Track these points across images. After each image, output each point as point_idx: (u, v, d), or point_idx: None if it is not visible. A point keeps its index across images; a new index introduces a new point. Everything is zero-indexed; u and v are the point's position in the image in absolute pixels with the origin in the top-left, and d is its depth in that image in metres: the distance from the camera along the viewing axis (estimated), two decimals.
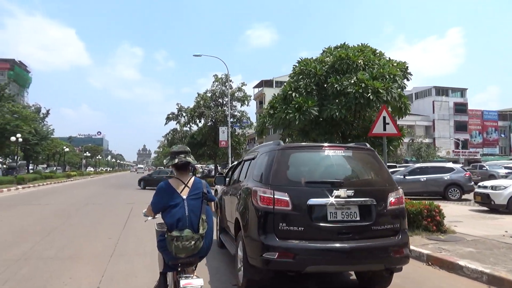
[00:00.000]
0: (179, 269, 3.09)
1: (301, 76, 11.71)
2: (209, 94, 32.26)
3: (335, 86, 10.58)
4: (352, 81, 10.34)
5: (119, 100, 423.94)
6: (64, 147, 47.11)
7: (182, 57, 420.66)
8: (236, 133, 32.80)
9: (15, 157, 60.52)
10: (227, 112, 31.08)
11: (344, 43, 12.83)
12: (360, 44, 12.54)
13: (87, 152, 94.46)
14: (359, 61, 11.03)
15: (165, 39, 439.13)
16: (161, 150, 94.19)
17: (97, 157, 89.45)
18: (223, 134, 28.90)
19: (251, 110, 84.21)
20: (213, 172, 37.32)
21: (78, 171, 55.72)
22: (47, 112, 58.04)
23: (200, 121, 32.11)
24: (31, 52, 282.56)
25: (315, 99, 11.09)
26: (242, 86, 31.46)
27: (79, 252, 6.78)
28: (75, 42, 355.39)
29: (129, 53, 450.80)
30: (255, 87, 78.70)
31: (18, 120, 36.78)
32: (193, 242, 2.90)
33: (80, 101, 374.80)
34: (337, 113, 10.35)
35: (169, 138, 65.03)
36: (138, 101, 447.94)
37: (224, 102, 32.18)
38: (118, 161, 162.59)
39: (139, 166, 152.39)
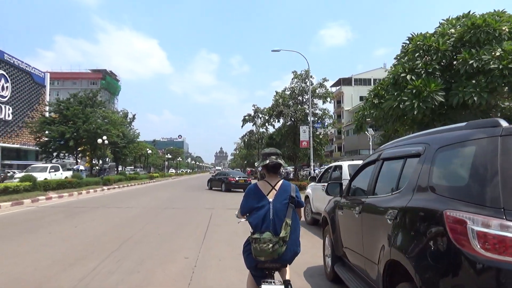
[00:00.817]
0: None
1: (417, 54, 9.12)
2: (288, 92, 30.37)
3: (470, 62, 7.88)
4: (497, 54, 7.54)
5: (198, 104, 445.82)
6: (148, 150, 48.55)
7: (256, 61, 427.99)
8: (317, 133, 30.46)
9: (106, 159, 65.08)
10: (308, 110, 28.93)
11: (469, 12, 9.91)
12: (493, 11, 9.53)
13: (169, 154, 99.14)
14: (504, 28, 8.14)
15: (239, 44, 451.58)
16: (237, 152, 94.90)
17: (178, 159, 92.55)
18: (304, 133, 26.76)
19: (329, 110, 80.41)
20: (291, 175, 35.34)
21: (160, 172, 57.54)
22: (133, 117, 61.06)
23: (278, 121, 30.38)
24: (121, 63, 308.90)
25: (439, 81, 8.45)
26: (323, 82, 29.05)
27: (148, 279, 5.15)
28: (158, 52, 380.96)
29: (206, 60, 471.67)
30: (332, 86, 75.14)
31: (108, 125, 38.42)
32: (271, 245, 2.74)
33: (162, 107, 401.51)
34: (474, 98, 7.62)
35: (246, 140, 64.75)
36: (215, 105, 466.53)
37: (304, 100, 30.09)
38: (197, 163, 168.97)
39: (217, 168, 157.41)
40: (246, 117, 58.71)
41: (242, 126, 59.37)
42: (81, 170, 37.76)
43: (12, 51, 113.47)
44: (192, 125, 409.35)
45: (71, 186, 20.18)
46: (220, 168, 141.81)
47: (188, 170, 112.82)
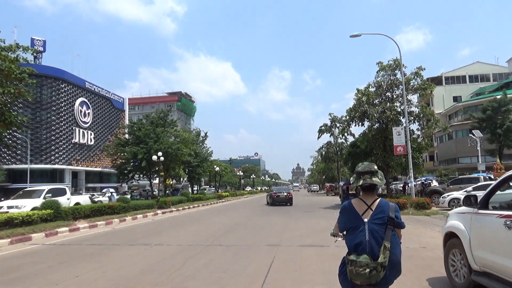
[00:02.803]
0: None
1: None
2: (372, 89, 24.39)
3: None
4: None
5: (272, 122, 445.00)
6: (216, 167, 45.31)
7: (329, 74, 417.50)
8: (414, 136, 23.86)
9: (180, 179, 63.74)
10: (401, 108, 22.72)
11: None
12: None
13: (243, 172, 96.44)
14: None
15: (311, 59, 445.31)
16: (314, 167, 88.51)
17: (251, 176, 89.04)
18: (399, 136, 20.58)
19: None
20: (380, 190, 28.81)
21: (231, 191, 53.98)
22: (206, 135, 59.14)
23: (362, 124, 24.37)
24: (198, 87, 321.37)
25: None
26: (418, 71, 22.56)
27: None
28: (232, 74, 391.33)
29: (278, 77, 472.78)
30: None
31: (179, 144, 36.34)
32: (367, 270, 2.51)
33: (239, 126, 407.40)
34: None
35: (323, 153, 58.69)
36: (289, 121, 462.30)
37: (395, 96, 23.81)
38: (274, 180, 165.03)
39: (294, 184, 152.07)
40: (322, 128, 52.89)
41: (318, 138, 53.71)
42: (112, 193, 35.53)
43: (103, 84, 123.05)
44: (268, 143, 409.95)
45: (113, 212, 16.69)
46: (297, 184, 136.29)
47: (264, 188, 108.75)
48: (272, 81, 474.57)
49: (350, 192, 27.60)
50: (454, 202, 18.98)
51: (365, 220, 2.70)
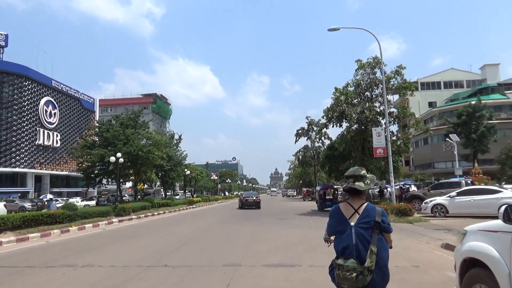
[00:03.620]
0: None
1: None
2: (351, 88, 22.88)
3: None
4: None
5: (251, 127, 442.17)
6: (186, 171, 43.00)
7: (307, 79, 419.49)
8: (394, 138, 22.40)
9: (152, 183, 60.78)
10: (380, 108, 21.30)
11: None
12: None
13: (220, 177, 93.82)
14: None
15: (289, 64, 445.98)
16: (291, 171, 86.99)
17: (227, 181, 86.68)
18: (379, 137, 19.04)
19: None
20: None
21: (204, 196, 51.59)
22: (180, 138, 56.61)
23: (340, 125, 22.81)
24: (177, 90, 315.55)
25: None
26: (399, 69, 21.19)
27: None
28: (210, 78, 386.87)
29: (257, 82, 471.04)
30: (394, 93, 65.64)
31: (151, 146, 34.30)
32: (354, 274, 2.50)
33: (217, 130, 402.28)
34: None
35: (300, 157, 57.18)
36: (268, 126, 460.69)
37: (374, 96, 22.38)
38: (251, 185, 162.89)
39: (272, 189, 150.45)
40: (300, 131, 51.44)
41: (295, 142, 52.23)
42: (50, 199, 32.75)
43: (76, 85, 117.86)
44: (247, 148, 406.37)
45: (54, 221, 14.21)
46: (275, 189, 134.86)
47: (241, 192, 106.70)
48: (251, 85, 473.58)
49: (327, 197, 26.03)
50: (437, 208, 17.56)
51: (352, 223, 2.68)
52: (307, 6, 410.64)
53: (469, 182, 21.17)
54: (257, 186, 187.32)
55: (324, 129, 27.91)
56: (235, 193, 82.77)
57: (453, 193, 17.37)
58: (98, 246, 11.00)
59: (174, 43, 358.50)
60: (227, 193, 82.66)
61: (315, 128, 48.80)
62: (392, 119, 21.26)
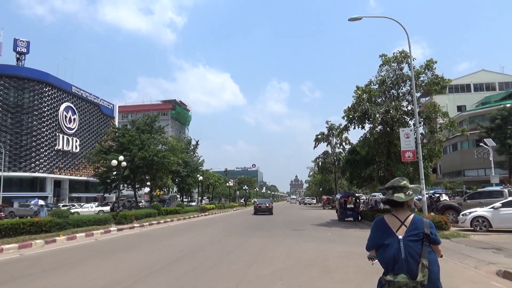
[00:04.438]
0: None
1: None
2: (375, 86, 20.59)
3: None
4: None
5: (271, 133, 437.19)
6: (199, 176, 41.40)
7: (327, 85, 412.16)
8: (424, 140, 19.85)
9: (168, 190, 59.54)
10: (408, 108, 18.95)
11: None
12: None
13: (239, 184, 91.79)
14: None
15: (309, 70, 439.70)
16: (311, 179, 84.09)
17: (243, 187, 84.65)
18: (407, 139, 16.66)
19: None
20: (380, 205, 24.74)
21: (218, 203, 49.68)
22: (197, 144, 55.37)
23: (362, 126, 20.50)
24: (197, 97, 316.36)
25: None
26: (429, 63, 18.75)
27: None
28: (231, 85, 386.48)
29: (277, 89, 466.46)
30: (420, 97, 62.17)
31: (166, 151, 33.39)
32: None
33: (237, 137, 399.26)
34: None
35: (319, 163, 54.56)
36: (288, 133, 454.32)
37: (401, 94, 20.03)
38: (271, 192, 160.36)
39: (292, 197, 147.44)
40: (319, 136, 48.95)
41: (314, 147, 49.72)
42: (41, 205, 31.32)
43: (100, 93, 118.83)
44: (267, 154, 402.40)
45: (39, 230, 12.56)
46: (294, 197, 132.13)
47: (256, 200, 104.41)
48: (271, 92, 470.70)
49: (348, 206, 23.70)
50: (478, 221, 14.97)
51: (400, 236, 2.53)
52: (327, 11, 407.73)
53: None
54: (276, 193, 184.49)
55: (345, 133, 25.46)
56: (252, 200, 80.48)
57: (498, 204, 14.76)
58: (73, 262, 9.21)
59: (195, 51, 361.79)
60: (242, 201, 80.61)
61: (335, 133, 46.34)
62: (422, 119, 18.80)
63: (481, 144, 35.62)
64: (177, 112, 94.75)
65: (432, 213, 18.69)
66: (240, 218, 27.56)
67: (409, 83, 19.32)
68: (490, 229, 14.67)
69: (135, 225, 18.58)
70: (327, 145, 47.42)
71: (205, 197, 70.18)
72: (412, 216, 2.60)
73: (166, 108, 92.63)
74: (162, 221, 21.96)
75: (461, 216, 15.76)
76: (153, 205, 25.81)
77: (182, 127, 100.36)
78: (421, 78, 18.95)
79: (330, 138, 46.91)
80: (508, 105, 40.03)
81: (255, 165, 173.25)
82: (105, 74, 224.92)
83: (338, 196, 25.39)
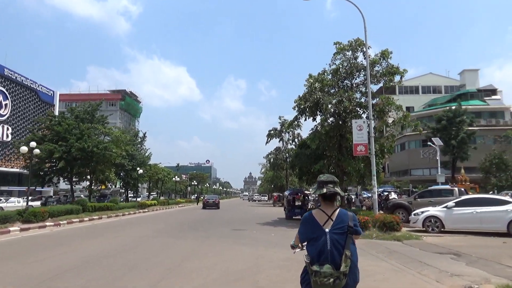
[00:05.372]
0: None
1: None
2: (328, 76, 19.07)
3: None
4: None
5: (227, 130, 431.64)
6: (139, 170, 38.34)
7: (284, 85, 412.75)
8: (375, 135, 18.63)
9: (110, 184, 55.35)
10: (362, 99, 17.64)
11: None
12: None
13: (194, 181, 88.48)
14: None
15: (266, 69, 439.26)
16: (263, 175, 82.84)
17: (192, 183, 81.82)
18: (360, 132, 15.24)
19: None
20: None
21: (160, 200, 46.62)
22: (144, 136, 51.90)
23: (313, 118, 18.93)
24: (151, 90, 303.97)
25: None
26: (385, 53, 17.50)
27: None
28: (187, 79, 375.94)
29: (234, 86, 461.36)
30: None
31: (108, 143, 30.41)
32: (331, 280, 2.52)
33: (192, 133, 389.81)
34: None
35: (271, 159, 53.34)
36: (244, 130, 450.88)
37: (354, 85, 18.70)
38: (225, 188, 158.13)
39: (244, 193, 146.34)
40: (272, 132, 47.42)
41: (267, 143, 48.10)
42: None
43: (47, 82, 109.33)
44: (222, 151, 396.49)
45: None
46: (247, 193, 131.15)
47: (205, 196, 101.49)
48: (228, 89, 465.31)
49: (296, 203, 22.13)
50: (430, 222, 13.82)
51: (326, 230, 2.69)
52: (286, 13, 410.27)
53: (462, 190, 17.64)
54: (230, 190, 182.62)
55: (298, 129, 23.94)
56: (201, 198, 77.71)
57: (451, 203, 13.69)
58: None
59: (150, 42, 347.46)
60: (193, 197, 77.89)
61: (288, 130, 45.08)
62: (376, 112, 17.53)
63: (429, 143, 35.97)
64: (127, 103, 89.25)
65: (380, 212, 17.57)
66: (181, 216, 25.13)
67: (364, 73, 18.05)
68: (442, 229, 13.59)
69: (48, 223, 15.59)
70: (279, 141, 46.10)
71: (153, 193, 66.53)
72: (338, 210, 2.75)
73: (115, 98, 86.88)
74: (86, 218, 19.00)
75: (412, 215, 14.58)
76: (77, 200, 22.63)
77: (132, 119, 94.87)
78: (376, 68, 17.69)
79: (283, 134, 45.62)
80: (454, 107, 40.92)
81: (209, 161, 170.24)
82: (51, 62, 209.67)
83: (286, 193, 23.80)
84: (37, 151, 18.76)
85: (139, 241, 11.57)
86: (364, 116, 18.06)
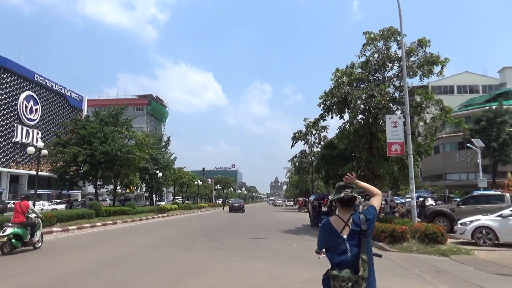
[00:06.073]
0: None
1: None
2: (357, 70, 17.16)
3: None
4: None
5: (252, 135, 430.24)
6: (158, 173, 37.44)
7: (309, 89, 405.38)
8: (416, 132, 16.48)
9: (136, 188, 55.12)
10: (395, 94, 15.69)
11: None
12: None
13: (218, 185, 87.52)
14: None
15: (292, 73, 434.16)
16: (288, 180, 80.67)
17: (216, 187, 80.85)
18: (395, 129, 13.26)
19: None
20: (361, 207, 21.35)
21: (181, 204, 45.51)
22: (168, 140, 51.32)
23: (341, 116, 17.04)
24: (178, 96, 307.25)
25: None
26: (422, 41, 15.40)
27: None
28: (213, 84, 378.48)
29: (259, 90, 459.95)
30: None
31: (132, 146, 30.16)
32: (350, 284, 2.54)
33: (218, 138, 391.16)
34: None
35: (296, 163, 51.44)
36: (269, 135, 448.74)
37: (387, 78, 16.73)
38: (251, 193, 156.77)
39: (270, 198, 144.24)
40: (297, 134, 45.60)
41: (292, 146, 46.33)
42: None
43: (80, 90, 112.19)
44: (248, 155, 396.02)
45: None
46: (273, 198, 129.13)
47: (231, 200, 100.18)
48: (253, 93, 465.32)
49: (322, 209, 20.24)
50: (481, 233, 11.61)
51: (344, 236, 2.69)
52: (311, 17, 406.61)
53: None
54: (256, 194, 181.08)
55: (324, 132, 22.11)
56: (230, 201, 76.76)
57: (507, 211, 11.44)
58: None
59: (176, 48, 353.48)
60: (220, 201, 76.71)
61: (314, 132, 43.09)
62: (412, 108, 15.42)
63: (467, 145, 33.09)
64: (153, 107, 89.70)
65: (418, 220, 15.46)
66: (199, 222, 23.68)
67: (398, 64, 16.08)
68: (496, 242, 11.36)
69: (56, 229, 14.49)
70: (304, 144, 44.15)
71: (178, 197, 65.96)
72: (352, 215, 2.73)
73: (141, 103, 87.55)
74: (99, 223, 17.89)
75: (459, 225, 12.37)
76: (90, 203, 21.67)
77: (158, 124, 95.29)
78: (412, 59, 15.62)
79: (308, 137, 43.64)
80: (494, 107, 37.73)
81: (234, 165, 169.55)
82: (84, 69, 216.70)
83: (311, 198, 21.92)
84: (44, 151, 17.93)
85: (139, 252, 10.11)
86: (398, 113, 16.00)
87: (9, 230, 9.24)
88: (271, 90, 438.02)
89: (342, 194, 2.71)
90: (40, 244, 10.33)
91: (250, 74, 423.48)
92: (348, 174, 2.85)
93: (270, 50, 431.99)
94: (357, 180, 2.82)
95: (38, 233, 10.14)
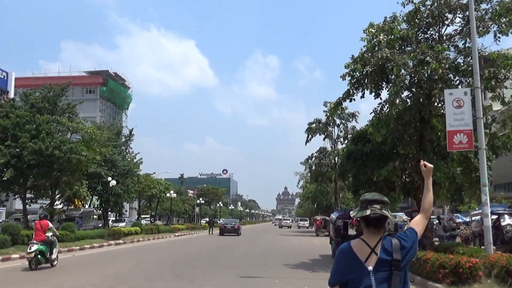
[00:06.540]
0: None
1: None
2: (401, 25, 16.48)
3: None
4: None
5: (252, 128, 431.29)
6: (110, 179, 36.99)
7: (331, 63, 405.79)
8: (486, 120, 15.82)
9: (86, 202, 54.74)
10: (459, 59, 14.94)
11: None
12: None
13: (201, 198, 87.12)
14: None
15: (308, 41, 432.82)
16: (302, 190, 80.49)
17: (198, 200, 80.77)
18: (459, 111, 12.56)
19: None
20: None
21: (157, 225, 45.11)
22: (130, 134, 51.07)
23: (377, 93, 16.37)
24: (148, 73, 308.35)
25: None
26: None
27: None
28: (196, 57, 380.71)
29: (262, 65, 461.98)
30: None
31: (76, 143, 30.48)
32: None
33: (204, 133, 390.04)
34: None
35: (313, 166, 50.73)
36: (276, 129, 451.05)
37: (445, 35, 16.17)
38: (249, 210, 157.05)
39: (277, 217, 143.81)
40: (313, 125, 45.14)
41: (307, 142, 46.00)
42: None
43: (4, 65, 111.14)
44: (246, 158, 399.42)
45: None
46: (280, 217, 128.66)
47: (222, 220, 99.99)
48: (253, 69, 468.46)
49: (349, 233, 19.91)
50: None
51: (370, 268, 2.70)
52: None
53: None
54: (257, 211, 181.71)
55: (352, 120, 21.30)
56: (219, 221, 76.91)
57: None
58: None
59: (145, 7, 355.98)
60: (205, 221, 76.65)
61: (337, 121, 42.52)
62: (484, 80, 14.76)
63: None
64: (110, 88, 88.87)
65: (493, 247, 14.86)
66: (168, 250, 23.24)
67: (461, 15, 15.43)
68: None
69: None
70: (324, 139, 43.63)
71: (146, 216, 65.70)
72: (382, 240, 2.77)
73: (93, 82, 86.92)
74: (14, 255, 17.27)
75: None
76: (5, 225, 21.23)
77: (117, 111, 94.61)
78: (484, 6, 15.06)
79: (330, 128, 43.12)
80: None
81: (226, 171, 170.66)
82: (10, 36, 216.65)
83: (333, 215, 21.46)
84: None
85: None
86: (462, 86, 15.40)
87: (35, 247, 13.85)
88: (278, 65, 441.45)
89: (368, 212, 2.75)
90: (56, 262, 14.98)
91: (250, 42, 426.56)
92: (423, 162, 2.92)
93: (277, 10, 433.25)
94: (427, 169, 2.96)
95: (55, 251, 14.95)
